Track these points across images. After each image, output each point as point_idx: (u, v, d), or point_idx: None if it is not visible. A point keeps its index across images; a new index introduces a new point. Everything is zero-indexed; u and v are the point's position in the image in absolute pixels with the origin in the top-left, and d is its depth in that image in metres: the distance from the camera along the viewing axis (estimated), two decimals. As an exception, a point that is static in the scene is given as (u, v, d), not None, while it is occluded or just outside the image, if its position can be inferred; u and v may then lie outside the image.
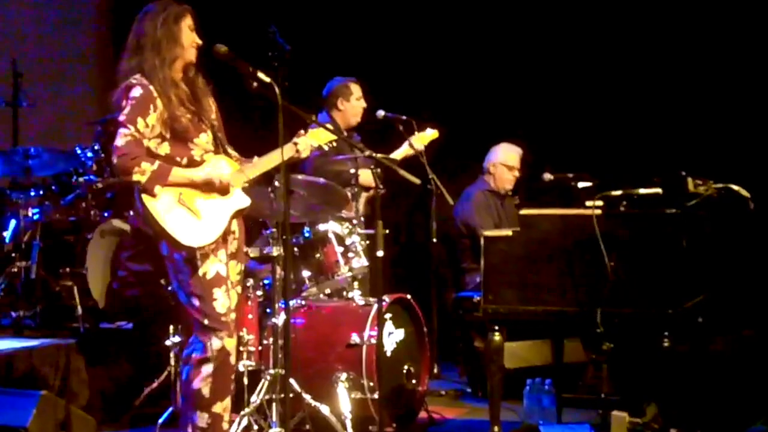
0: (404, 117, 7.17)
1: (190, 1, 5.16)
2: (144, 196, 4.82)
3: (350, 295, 6.45)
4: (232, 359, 5.07)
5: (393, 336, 6.33)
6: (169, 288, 5.14)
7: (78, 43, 9.95)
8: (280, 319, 5.73)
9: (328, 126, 5.39)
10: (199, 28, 5.09)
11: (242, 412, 5.68)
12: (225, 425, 5.08)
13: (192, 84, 5.09)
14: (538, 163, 7.57)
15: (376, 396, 5.95)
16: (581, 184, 6.05)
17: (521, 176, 7.90)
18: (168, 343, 6.08)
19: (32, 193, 7.42)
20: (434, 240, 7.39)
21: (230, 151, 5.22)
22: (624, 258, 5.35)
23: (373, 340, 6.04)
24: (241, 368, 5.92)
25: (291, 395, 5.49)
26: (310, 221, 6.46)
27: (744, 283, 5.78)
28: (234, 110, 5.36)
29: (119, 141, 4.82)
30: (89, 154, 7.48)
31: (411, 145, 7.14)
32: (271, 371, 5.77)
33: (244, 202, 5.12)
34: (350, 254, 6.41)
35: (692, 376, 5.86)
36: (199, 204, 4.94)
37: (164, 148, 4.95)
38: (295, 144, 5.24)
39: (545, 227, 5.56)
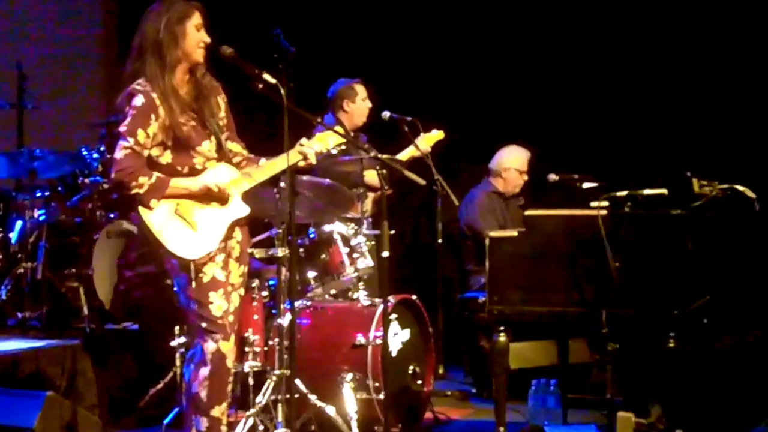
0: (409, 118, 7.17)
1: (194, 1, 5.14)
2: (140, 208, 4.83)
3: (355, 295, 6.45)
4: (229, 362, 5.02)
5: (398, 336, 6.33)
6: (174, 289, 5.14)
7: (83, 44, 9.95)
8: (285, 320, 5.74)
9: (337, 129, 5.35)
10: (209, 26, 5.03)
11: (248, 413, 5.69)
12: (223, 428, 5.06)
13: (199, 84, 5.05)
14: (542, 164, 7.57)
15: (381, 396, 5.95)
16: (586, 185, 6.05)
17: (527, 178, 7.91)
18: (173, 343, 6.09)
19: (38, 195, 7.43)
20: (440, 241, 7.38)
21: (239, 147, 5.20)
22: (629, 259, 5.36)
23: (379, 341, 6.04)
24: (246, 369, 5.93)
25: (296, 396, 5.50)
26: (316, 222, 6.46)
27: (749, 284, 5.77)
28: (239, 112, 5.34)
29: (118, 154, 4.81)
30: (95, 156, 7.49)
31: (416, 147, 7.15)
32: (277, 372, 5.78)
33: (243, 211, 5.09)
34: (355, 255, 6.41)
35: (697, 377, 5.87)
36: (195, 215, 4.93)
37: (166, 157, 4.93)
38: (303, 154, 5.16)
39: (550, 228, 5.56)
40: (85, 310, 7.02)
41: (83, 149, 7.52)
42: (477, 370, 7.73)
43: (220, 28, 5.20)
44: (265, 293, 6.20)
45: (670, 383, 5.49)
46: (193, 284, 4.91)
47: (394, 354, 6.24)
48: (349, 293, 6.55)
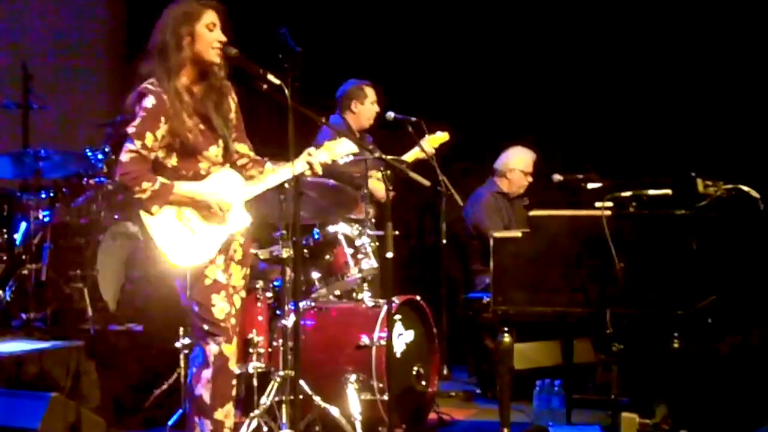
0: (414, 119, 7.17)
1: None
2: (141, 212, 4.81)
3: (360, 296, 6.46)
4: (231, 365, 5.00)
5: (403, 337, 6.33)
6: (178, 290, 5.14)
7: (88, 44, 9.97)
8: (289, 321, 5.74)
9: (343, 131, 5.29)
10: (228, 24, 4.97)
11: (252, 414, 5.69)
12: (227, 431, 5.05)
13: (212, 86, 5.00)
14: (547, 164, 7.56)
15: (385, 397, 5.95)
16: (591, 185, 6.04)
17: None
18: (178, 345, 6.08)
19: (43, 195, 7.43)
20: (444, 241, 7.39)
21: (245, 149, 5.17)
22: (633, 259, 5.34)
23: (383, 342, 6.04)
24: (250, 370, 5.93)
25: (301, 397, 5.49)
26: (320, 223, 6.46)
27: (754, 284, 5.76)
28: (244, 111, 5.33)
29: (124, 157, 4.78)
30: (100, 156, 7.50)
31: (421, 148, 7.15)
32: (281, 373, 5.78)
33: (244, 222, 5.08)
34: (360, 255, 6.41)
35: (702, 377, 5.86)
36: (195, 222, 4.91)
37: (172, 160, 4.91)
38: (309, 164, 5.12)
39: (555, 228, 5.56)
40: (90, 312, 7.02)
41: (88, 150, 7.54)
42: (481, 371, 7.73)
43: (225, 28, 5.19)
44: (269, 294, 6.19)
45: (674, 383, 5.49)
46: (191, 289, 4.89)
47: (398, 355, 6.24)
48: (354, 294, 6.55)
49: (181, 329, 6.03)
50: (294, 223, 5.09)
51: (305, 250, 6.38)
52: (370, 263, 6.41)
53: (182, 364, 6.05)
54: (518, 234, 5.69)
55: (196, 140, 4.92)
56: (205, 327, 4.93)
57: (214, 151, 5.01)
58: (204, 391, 4.94)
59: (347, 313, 6.44)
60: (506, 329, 5.71)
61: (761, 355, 6.09)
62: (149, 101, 4.82)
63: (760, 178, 5.85)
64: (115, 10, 10.19)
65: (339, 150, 5.21)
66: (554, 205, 5.94)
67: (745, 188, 5.63)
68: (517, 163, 7.89)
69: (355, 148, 5.25)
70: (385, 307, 6.00)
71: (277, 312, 6.11)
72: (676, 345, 5.38)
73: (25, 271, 7.08)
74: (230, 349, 4.97)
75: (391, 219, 5.26)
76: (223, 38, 4.92)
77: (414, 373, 6.38)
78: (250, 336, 5.97)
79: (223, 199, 4.95)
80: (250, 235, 5.21)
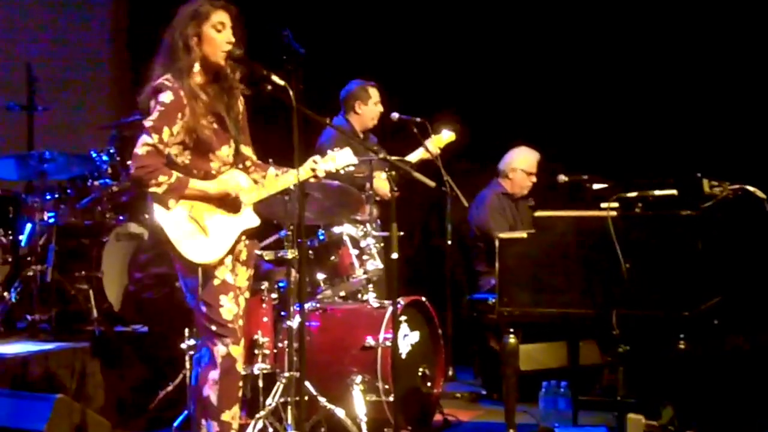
0: (418, 119, 7.16)
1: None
2: (156, 207, 4.80)
3: (365, 297, 6.46)
4: (239, 366, 4.98)
5: (408, 338, 6.32)
6: (184, 291, 5.13)
7: (93, 46, 9.96)
8: (295, 322, 5.73)
9: (347, 150, 5.26)
10: (239, 23, 4.95)
11: (257, 415, 5.69)
12: None
13: (222, 86, 4.98)
14: (552, 165, 7.55)
15: (391, 399, 5.96)
16: (596, 186, 6.03)
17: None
18: (183, 346, 6.08)
19: (48, 197, 7.42)
20: (449, 242, 7.38)
21: (249, 152, 5.16)
22: (639, 260, 5.34)
23: (388, 343, 6.03)
24: (256, 371, 5.93)
25: (306, 398, 5.49)
26: (325, 224, 6.45)
27: (760, 285, 5.76)
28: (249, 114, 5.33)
29: (140, 149, 4.75)
30: (104, 158, 7.51)
31: (426, 148, 7.15)
32: (286, 374, 5.78)
33: (253, 222, 5.06)
34: (365, 257, 6.40)
35: (708, 379, 5.85)
36: (208, 220, 4.89)
37: (185, 158, 4.89)
38: (313, 171, 5.12)
39: (560, 229, 5.56)
40: (95, 313, 7.03)
41: (93, 152, 7.54)
42: (487, 372, 7.72)
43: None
44: (274, 295, 6.19)
45: (681, 385, 5.48)
46: (202, 288, 4.88)
47: (403, 356, 6.23)
48: (359, 295, 6.56)
49: (187, 330, 6.03)
50: (299, 225, 5.08)
51: (310, 252, 6.38)
52: (375, 264, 6.41)
53: (188, 365, 6.06)
54: (523, 235, 5.69)
55: (210, 139, 4.91)
56: (213, 328, 4.90)
57: (226, 151, 5.00)
58: (211, 393, 4.92)
59: (352, 314, 6.43)
60: (512, 330, 5.71)
61: (767, 355, 6.08)
62: (167, 96, 4.80)
63: (766, 179, 5.84)
64: (119, 11, 10.18)
65: (341, 160, 5.19)
66: (559, 205, 5.93)
67: (751, 189, 5.62)
68: (519, 163, 7.87)
69: (355, 160, 5.23)
70: (390, 308, 6.00)
71: (282, 313, 6.09)
72: (682, 346, 5.38)
73: (30, 273, 7.07)
74: (238, 351, 4.95)
75: (396, 220, 5.26)
76: (232, 39, 4.91)
77: (419, 374, 6.37)
78: (255, 337, 5.97)
79: (239, 185, 4.95)
80: (254, 236, 5.20)
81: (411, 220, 8.75)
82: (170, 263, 5.05)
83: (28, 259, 7.20)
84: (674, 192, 5.56)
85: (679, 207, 5.47)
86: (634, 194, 5.55)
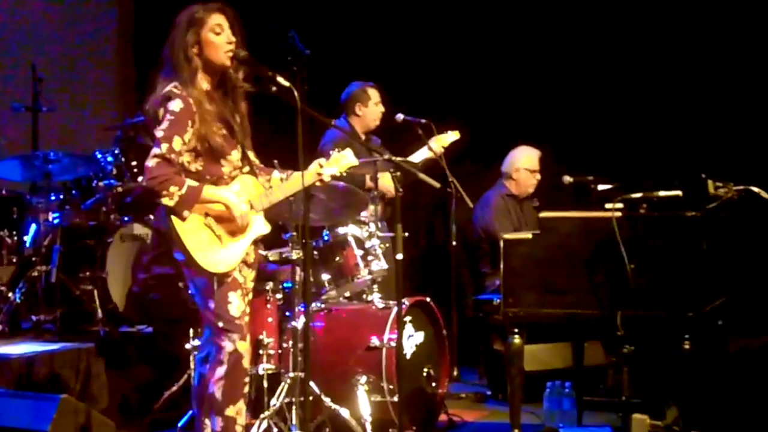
0: (423, 120, 7.16)
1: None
2: (173, 218, 4.77)
3: (370, 298, 6.46)
4: (245, 362, 4.98)
5: (413, 339, 6.32)
6: (189, 291, 5.13)
7: (98, 47, 9.98)
8: (299, 323, 5.74)
9: (349, 152, 5.26)
10: (237, 23, 4.93)
11: (262, 416, 5.69)
12: (238, 429, 5.01)
13: (227, 90, 4.98)
14: (557, 167, 7.55)
15: (395, 399, 5.95)
16: (601, 187, 6.03)
17: (541, 179, 7.89)
18: (188, 346, 6.08)
19: (52, 198, 7.44)
20: (454, 243, 7.38)
21: (253, 155, 5.15)
22: (644, 260, 5.34)
23: (393, 343, 6.03)
24: (260, 371, 5.93)
25: (311, 398, 5.48)
26: (330, 224, 6.45)
27: (764, 285, 5.75)
28: (252, 114, 5.33)
29: (150, 161, 4.73)
30: (109, 159, 7.52)
31: (430, 148, 7.14)
32: (291, 374, 5.78)
33: (265, 229, 5.07)
34: (370, 257, 6.40)
35: (713, 379, 5.85)
36: (222, 228, 4.89)
37: (197, 164, 4.87)
38: (318, 175, 5.12)
39: (565, 230, 5.55)
40: (100, 313, 7.03)
41: (98, 152, 7.55)
42: (492, 373, 7.72)
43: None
44: (279, 296, 6.20)
45: (685, 385, 5.48)
46: (213, 283, 4.89)
47: (408, 356, 6.24)
48: (364, 295, 6.56)
49: (191, 330, 6.03)
50: (304, 225, 5.08)
51: (315, 252, 6.38)
52: (380, 265, 6.41)
53: (192, 365, 6.05)
54: (528, 235, 5.69)
55: (222, 145, 4.90)
56: (221, 324, 4.90)
57: (236, 156, 4.99)
58: (216, 389, 4.92)
59: (357, 314, 6.44)
60: (517, 331, 5.71)
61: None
62: (176, 105, 4.78)
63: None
64: (124, 13, 10.19)
65: (344, 162, 5.19)
66: (564, 206, 5.93)
67: (756, 189, 5.61)
68: (522, 162, 7.87)
69: (355, 161, 5.23)
70: (395, 309, 6.00)
71: (287, 314, 6.10)
72: (686, 346, 5.38)
73: (35, 273, 7.08)
74: (244, 346, 4.95)
75: (401, 220, 5.26)
76: (232, 39, 4.90)
77: (424, 374, 6.37)
78: (260, 338, 5.98)
79: (248, 212, 4.94)
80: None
81: (416, 220, 8.77)
82: (174, 263, 5.05)
83: (33, 259, 7.22)
84: (679, 193, 5.55)
85: (684, 208, 5.47)
86: (638, 195, 5.54)
